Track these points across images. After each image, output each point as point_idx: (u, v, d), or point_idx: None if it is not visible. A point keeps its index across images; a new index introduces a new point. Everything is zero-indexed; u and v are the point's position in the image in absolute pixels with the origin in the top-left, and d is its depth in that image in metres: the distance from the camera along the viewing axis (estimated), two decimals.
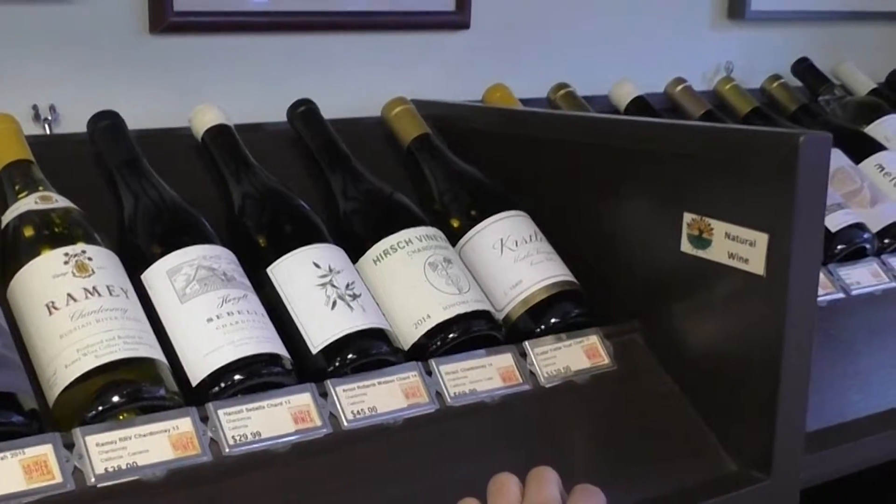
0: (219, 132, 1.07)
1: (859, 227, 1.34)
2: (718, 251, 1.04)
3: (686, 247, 1.06)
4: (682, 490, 0.98)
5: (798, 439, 1.04)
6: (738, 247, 1.02)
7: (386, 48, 1.29)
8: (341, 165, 1.09)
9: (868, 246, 1.33)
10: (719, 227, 1.03)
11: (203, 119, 1.07)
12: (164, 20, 1.15)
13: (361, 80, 1.26)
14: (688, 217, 1.05)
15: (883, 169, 1.44)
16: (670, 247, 1.07)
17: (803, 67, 1.67)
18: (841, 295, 1.29)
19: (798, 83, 1.67)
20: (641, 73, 1.46)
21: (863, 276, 1.31)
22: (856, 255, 1.33)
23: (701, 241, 1.05)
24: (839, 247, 1.31)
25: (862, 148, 1.47)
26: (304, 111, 1.14)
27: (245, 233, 0.99)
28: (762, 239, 0.99)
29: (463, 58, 1.34)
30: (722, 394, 1.06)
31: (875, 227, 1.34)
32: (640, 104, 1.43)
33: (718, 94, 1.53)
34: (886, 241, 1.37)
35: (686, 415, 1.07)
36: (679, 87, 1.47)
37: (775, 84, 1.60)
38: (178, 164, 1.08)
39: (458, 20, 1.31)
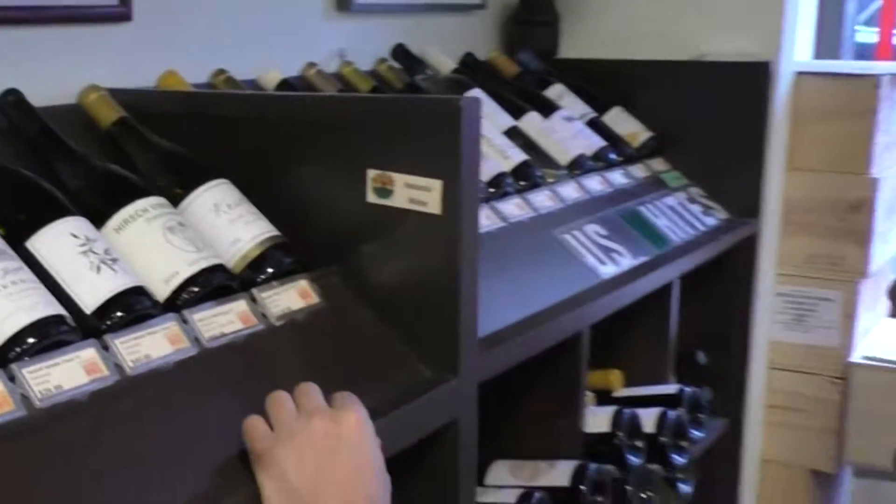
0: None
1: (503, 175, 1.57)
2: (400, 199, 1.14)
3: (372, 198, 1.16)
4: (392, 398, 1.07)
5: (474, 344, 1.18)
6: (417, 193, 1.13)
7: (55, 41, 1.29)
8: (62, 148, 1.11)
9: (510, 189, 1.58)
10: (399, 179, 1.14)
11: None
12: None
13: (34, 74, 1.24)
14: (371, 173, 1.15)
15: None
16: (358, 199, 1.16)
17: (400, 52, 1.82)
18: (501, 224, 1.49)
19: (398, 65, 1.81)
20: (276, 60, 1.55)
21: (512, 210, 1.55)
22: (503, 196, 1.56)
23: (384, 191, 1.15)
24: (490, 190, 1.53)
25: None
26: (14, 100, 1.14)
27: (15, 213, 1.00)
28: (437, 185, 1.12)
29: (128, 48, 1.36)
30: (413, 316, 1.16)
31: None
32: (285, 86, 1.52)
33: (342, 77, 1.65)
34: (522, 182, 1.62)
35: (386, 338, 1.17)
36: (312, 71, 1.59)
37: (383, 66, 1.76)
38: None
39: (121, 13, 1.34)
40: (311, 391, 0.99)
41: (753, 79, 2.06)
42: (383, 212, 1.16)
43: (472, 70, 1.92)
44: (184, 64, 1.41)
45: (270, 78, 1.52)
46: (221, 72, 1.46)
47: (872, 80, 2.18)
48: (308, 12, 1.70)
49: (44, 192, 1.03)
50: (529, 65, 2.02)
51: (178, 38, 1.44)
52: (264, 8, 1.60)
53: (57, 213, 1.00)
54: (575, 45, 2.17)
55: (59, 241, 0.98)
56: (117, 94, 1.25)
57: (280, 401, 0.97)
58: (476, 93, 1.75)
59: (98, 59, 1.33)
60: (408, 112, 1.17)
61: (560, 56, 2.15)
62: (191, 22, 1.46)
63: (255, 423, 0.94)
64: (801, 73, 2.21)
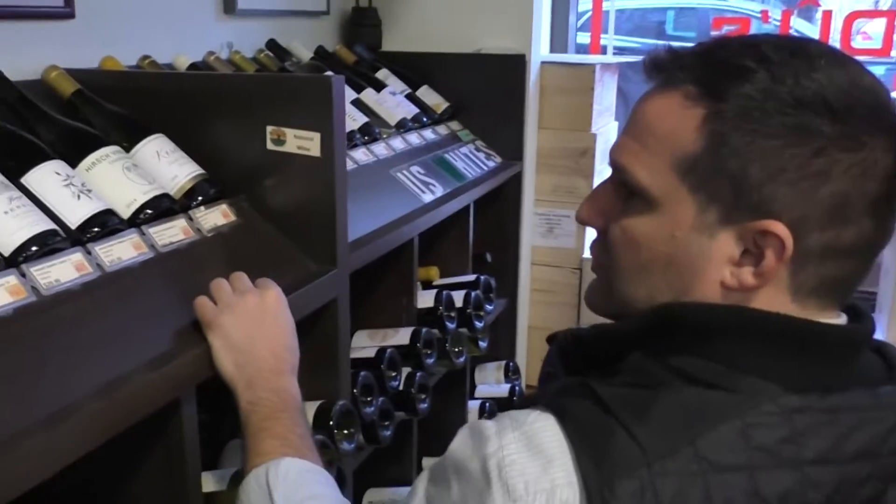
0: None
1: (353, 132, 1.57)
2: (291, 146, 1.15)
3: (270, 146, 1.16)
4: (292, 284, 1.08)
5: (346, 246, 1.20)
6: (303, 142, 1.14)
7: (15, 33, 1.21)
8: (37, 111, 1.06)
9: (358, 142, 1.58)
10: (290, 132, 1.15)
11: None
12: None
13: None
14: (269, 128, 1.15)
15: None
16: (260, 147, 1.16)
17: (273, 45, 1.77)
18: (354, 165, 1.50)
19: (272, 54, 1.76)
20: (183, 49, 1.50)
21: (361, 156, 1.55)
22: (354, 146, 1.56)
23: (279, 141, 1.15)
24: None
25: None
26: None
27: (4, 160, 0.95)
28: (317, 136, 1.13)
29: (73, 39, 1.30)
30: (303, 228, 1.18)
31: None
32: (193, 67, 1.48)
33: (232, 61, 1.61)
34: (366, 137, 1.62)
35: (285, 244, 1.17)
36: (212, 57, 1.54)
37: (261, 55, 1.71)
38: None
39: (66, 12, 1.28)
40: (241, 277, 1.01)
41: (514, 66, 2.09)
42: (279, 156, 1.16)
43: (323, 58, 1.89)
44: (116, 51, 1.35)
45: (182, 62, 1.47)
46: (146, 57, 1.41)
47: (591, 68, 2.24)
48: (204, 14, 1.64)
49: (31, 143, 1.00)
50: (363, 55, 2.01)
51: (111, 32, 1.37)
52: (173, 11, 1.54)
53: (43, 157, 0.98)
54: (394, 41, 2.16)
55: (46, 177, 0.96)
56: (71, 73, 1.19)
57: (220, 284, 0.98)
58: (329, 75, 1.75)
59: (50, 47, 1.25)
60: (296, 85, 1.17)
61: (384, 49, 2.14)
62: (121, 20, 1.40)
63: (203, 300, 0.96)
64: (544, 63, 2.23)
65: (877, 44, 2.68)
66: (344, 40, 2.10)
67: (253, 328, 0.94)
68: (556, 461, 0.60)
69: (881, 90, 0.64)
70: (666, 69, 0.67)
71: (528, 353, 2.37)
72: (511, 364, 2.15)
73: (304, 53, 1.83)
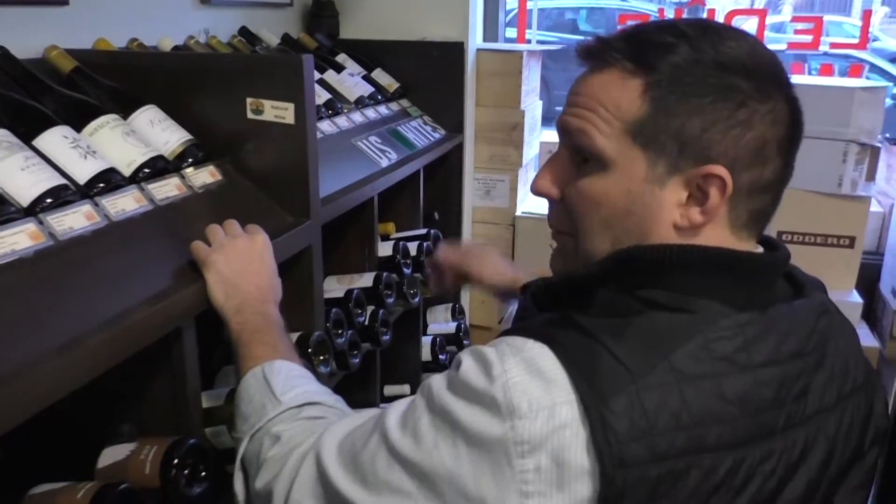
0: None
1: (319, 106, 1.52)
2: (269, 115, 1.14)
3: (250, 115, 1.15)
4: (272, 233, 1.04)
5: (318, 201, 1.21)
6: (279, 112, 1.14)
7: (16, 17, 1.17)
8: (42, 84, 1.03)
9: (324, 115, 1.53)
10: (267, 103, 1.14)
11: None
12: None
13: (3, 39, 1.11)
14: (249, 100, 1.14)
15: None
16: (241, 116, 1.15)
17: (244, 31, 1.74)
18: (321, 135, 1.49)
19: (244, 40, 1.71)
20: (166, 34, 1.46)
21: (327, 128, 1.53)
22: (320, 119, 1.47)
23: (258, 111, 1.15)
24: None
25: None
26: (3, 54, 1.05)
27: (17, 125, 0.93)
28: (291, 106, 1.13)
29: (67, 23, 1.26)
30: (281, 186, 1.16)
31: None
32: (176, 49, 1.44)
33: (210, 45, 1.57)
34: (330, 112, 1.57)
35: (265, 200, 1.17)
36: (192, 41, 1.51)
37: (235, 40, 1.68)
38: None
39: None
40: (233, 223, 1.01)
41: (455, 52, 2.09)
42: (258, 123, 1.16)
43: (289, 44, 1.86)
44: (106, 34, 1.32)
45: (166, 44, 1.43)
46: (134, 40, 1.38)
47: (519, 54, 2.25)
48: (184, 4, 1.60)
49: (39, 110, 0.97)
50: (323, 42, 1.99)
51: (102, 17, 1.34)
52: (157, 1, 1.51)
53: (51, 123, 0.95)
54: (350, 30, 2.15)
55: (56, 140, 0.94)
56: (70, 52, 1.16)
57: (214, 228, 0.99)
58: (300, 55, 1.72)
59: (47, 30, 1.22)
60: (274, 64, 1.17)
61: (341, 37, 2.12)
62: (109, 7, 1.36)
63: (198, 243, 0.96)
64: (479, 50, 2.23)
65: None
66: (306, 29, 2.07)
67: (242, 265, 0.94)
68: (554, 382, 0.60)
69: (774, 53, 0.69)
70: (599, 53, 0.69)
71: (470, 296, 2.40)
72: (457, 306, 2.18)
73: (272, 40, 1.80)
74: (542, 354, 0.61)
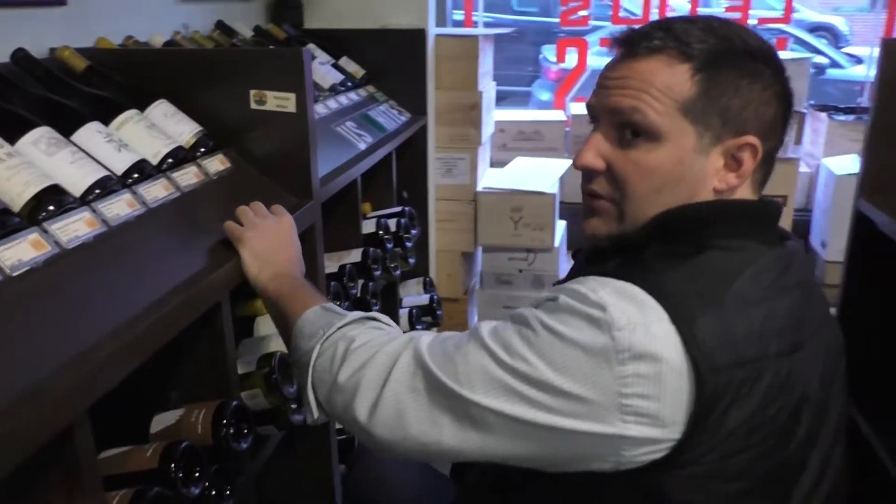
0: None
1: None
2: (271, 105, 1.22)
3: (254, 106, 1.22)
4: (290, 211, 1.13)
5: (318, 182, 1.28)
6: (282, 101, 1.21)
7: (16, 18, 1.20)
8: (62, 82, 1.08)
9: None
10: (270, 94, 1.21)
11: None
12: None
13: (7, 38, 1.15)
14: (252, 91, 1.22)
15: None
16: (246, 107, 1.22)
17: (221, 26, 1.75)
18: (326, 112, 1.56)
19: (222, 33, 1.75)
20: (154, 30, 1.50)
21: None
22: None
23: (261, 102, 1.22)
24: None
25: None
26: (23, 55, 1.09)
27: (52, 122, 0.97)
28: (293, 97, 1.20)
29: (66, 23, 1.29)
30: (284, 170, 1.24)
31: None
32: (167, 45, 1.49)
33: (193, 39, 1.61)
34: None
35: (270, 183, 1.22)
36: (179, 36, 1.55)
37: (215, 34, 1.73)
38: None
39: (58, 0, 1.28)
40: (260, 205, 1.09)
41: (416, 39, 2.15)
42: (262, 114, 1.22)
43: (261, 36, 1.90)
44: (98, 33, 1.35)
45: (157, 40, 1.48)
46: (130, 37, 1.42)
47: (475, 39, 2.34)
48: (166, 3, 1.65)
49: (70, 108, 1.03)
50: (290, 32, 2.02)
51: (96, 17, 1.37)
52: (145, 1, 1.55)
53: (84, 120, 1.01)
54: (314, 20, 2.19)
55: (91, 135, 1.01)
56: (79, 52, 1.20)
57: (245, 209, 1.06)
58: (300, 48, 1.77)
59: (47, 29, 1.26)
60: (276, 57, 1.23)
61: (306, 27, 2.17)
62: (101, 6, 1.39)
63: (231, 223, 1.03)
64: (438, 35, 2.29)
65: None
66: (272, 20, 2.11)
67: (273, 242, 1.02)
68: (646, 304, 0.68)
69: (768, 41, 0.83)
70: (638, 42, 0.80)
71: (438, 270, 2.49)
72: (428, 279, 2.29)
73: (247, 32, 1.85)
74: (626, 285, 0.70)
